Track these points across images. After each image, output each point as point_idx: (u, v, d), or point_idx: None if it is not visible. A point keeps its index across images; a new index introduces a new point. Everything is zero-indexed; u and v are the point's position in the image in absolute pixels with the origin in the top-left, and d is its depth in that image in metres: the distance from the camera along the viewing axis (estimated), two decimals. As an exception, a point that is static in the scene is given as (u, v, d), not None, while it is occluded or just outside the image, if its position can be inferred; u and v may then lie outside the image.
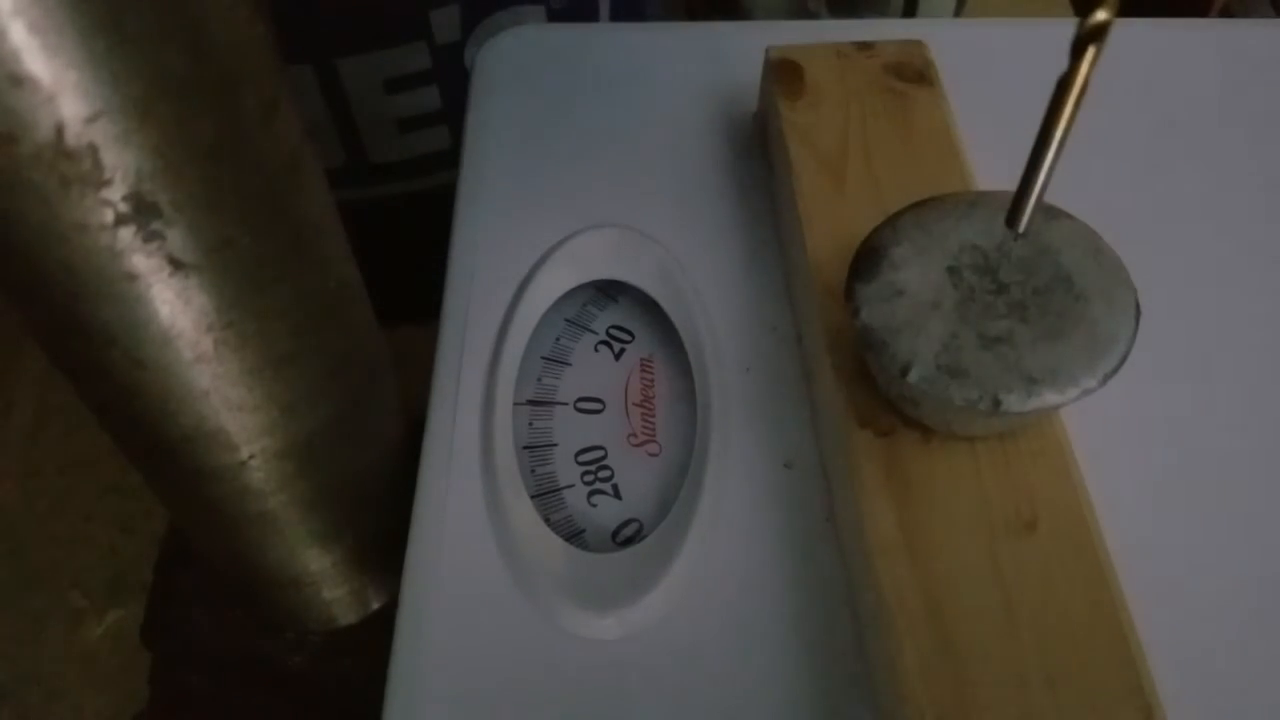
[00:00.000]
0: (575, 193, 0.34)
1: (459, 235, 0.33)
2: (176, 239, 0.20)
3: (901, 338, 0.24)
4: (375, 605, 0.34)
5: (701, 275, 0.32)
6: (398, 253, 0.49)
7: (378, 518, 0.32)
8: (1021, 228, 0.23)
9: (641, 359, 0.32)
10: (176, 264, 0.20)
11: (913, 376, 0.23)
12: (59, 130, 0.18)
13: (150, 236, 0.20)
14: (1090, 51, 0.20)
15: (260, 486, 0.27)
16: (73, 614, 0.53)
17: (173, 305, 0.21)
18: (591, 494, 0.30)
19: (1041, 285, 0.25)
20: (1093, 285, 0.24)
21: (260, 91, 0.22)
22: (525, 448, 0.31)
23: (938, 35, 0.34)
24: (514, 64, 0.38)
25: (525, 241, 0.33)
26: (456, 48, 0.48)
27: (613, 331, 0.33)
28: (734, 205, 0.34)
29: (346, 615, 0.34)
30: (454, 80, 0.49)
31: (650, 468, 0.30)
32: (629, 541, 0.29)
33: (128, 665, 0.49)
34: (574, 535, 0.29)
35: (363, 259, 0.30)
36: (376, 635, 0.26)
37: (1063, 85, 0.20)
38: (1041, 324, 0.24)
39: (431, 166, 0.52)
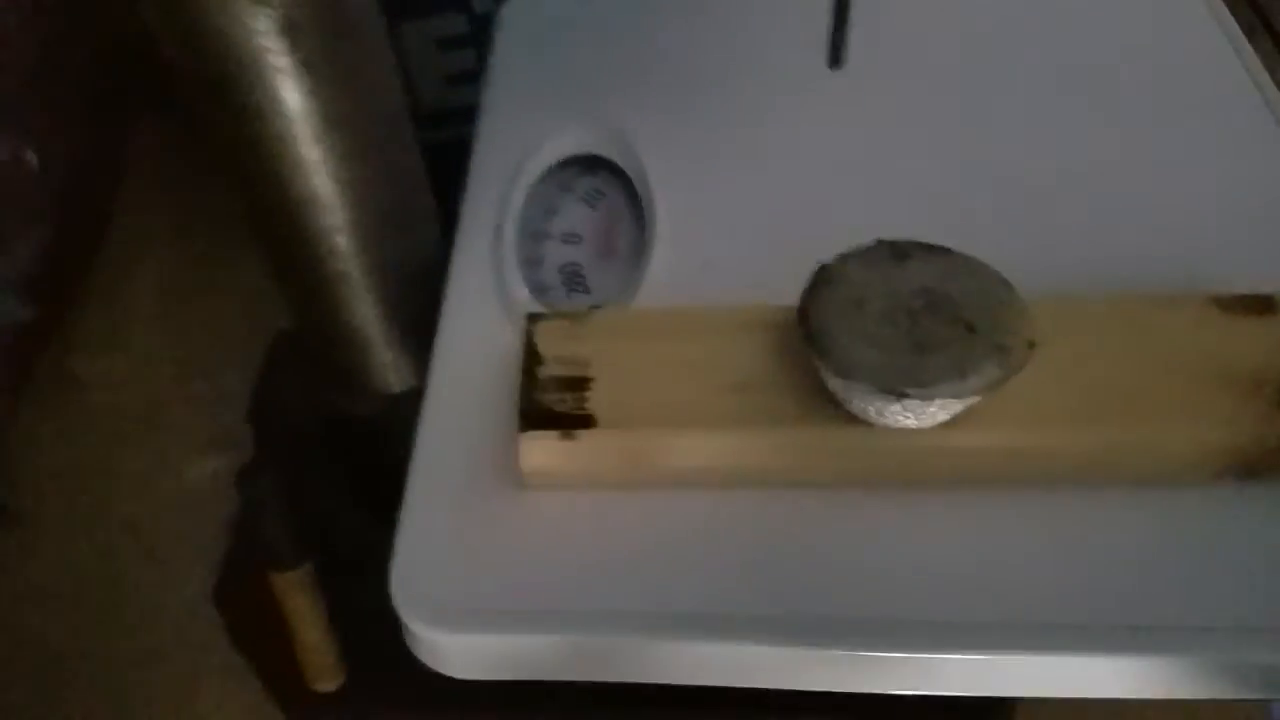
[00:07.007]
0: (576, 94, 0.48)
1: (484, 121, 0.47)
2: (309, 49, 0.34)
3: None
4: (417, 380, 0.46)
5: (659, 152, 0.45)
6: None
7: (421, 302, 0.44)
8: (843, 64, 0.35)
9: (610, 209, 0.45)
10: (308, 65, 0.34)
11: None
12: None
13: (295, 45, 0.33)
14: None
15: (344, 249, 0.40)
16: (179, 461, 0.64)
17: (302, 94, 0.34)
18: (570, 292, 0.43)
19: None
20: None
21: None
22: (524, 261, 0.43)
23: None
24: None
25: (534, 126, 0.46)
26: (490, 17, 0.62)
27: (593, 189, 0.46)
28: (696, 100, 0.47)
29: (398, 383, 0.46)
30: (488, 44, 0.63)
31: (612, 268, 0.43)
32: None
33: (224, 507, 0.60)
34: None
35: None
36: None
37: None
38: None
39: (471, 117, 0.65)
